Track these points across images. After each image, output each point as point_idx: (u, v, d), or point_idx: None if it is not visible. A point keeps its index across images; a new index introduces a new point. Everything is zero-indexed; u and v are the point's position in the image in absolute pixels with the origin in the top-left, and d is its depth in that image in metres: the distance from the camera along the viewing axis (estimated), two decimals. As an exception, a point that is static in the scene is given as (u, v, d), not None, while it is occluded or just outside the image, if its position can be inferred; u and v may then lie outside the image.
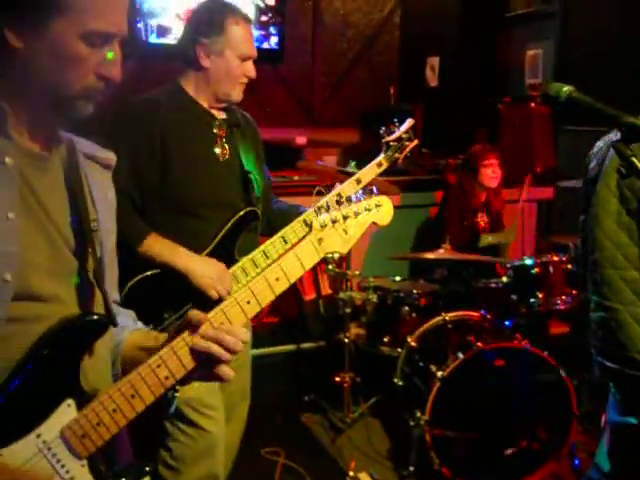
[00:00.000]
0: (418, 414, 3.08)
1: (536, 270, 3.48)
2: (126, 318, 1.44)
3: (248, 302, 1.27)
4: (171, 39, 5.21)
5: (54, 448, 1.13)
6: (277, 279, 1.29)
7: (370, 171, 2.60)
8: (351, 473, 3.18)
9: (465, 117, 5.31)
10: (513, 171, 4.54)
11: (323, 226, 1.34)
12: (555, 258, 3.50)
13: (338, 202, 1.38)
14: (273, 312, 4.09)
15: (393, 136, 2.65)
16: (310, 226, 1.35)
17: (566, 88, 1.91)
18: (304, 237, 1.35)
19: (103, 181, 1.35)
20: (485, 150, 4.09)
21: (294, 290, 4.00)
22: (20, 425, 1.11)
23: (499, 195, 4.19)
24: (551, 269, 3.48)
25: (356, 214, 1.38)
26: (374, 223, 1.43)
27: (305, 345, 4.25)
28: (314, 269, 3.88)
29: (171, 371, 1.21)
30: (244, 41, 2.27)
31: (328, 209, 1.36)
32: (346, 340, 3.65)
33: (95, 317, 1.20)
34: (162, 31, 5.27)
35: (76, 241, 1.22)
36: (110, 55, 1.15)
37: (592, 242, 2.01)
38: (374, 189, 1.45)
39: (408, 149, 2.67)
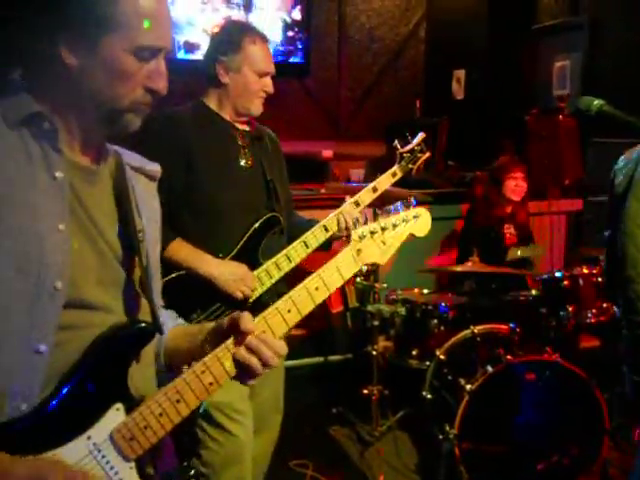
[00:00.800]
0: (447, 428, 3.05)
1: (566, 283, 3.46)
2: (167, 317, 1.48)
3: (289, 311, 1.30)
4: (199, 55, 5.29)
5: (104, 450, 1.16)
6: (317, 288, 1.32)
7: (385, 180, 2.73)
8: (380, 486, 3.17)
9: (492, 129, 5.30)
10: (540, 183, 4.52)
11: (362, 237, 1.37)
12: (585, 271, 3.47)
13: (376, 214, 1.41)
14: (301, 325, 4.10)
15: (406, 148, 2.79)
16: (349, 238, 1.37)
17: (597, 102, 1.92)
18: (343, 248, 1.37)
19: (149, 192, 1.40)
20: (510, 163, 4.08)
21: (322, 303, 4.01)
22: (72, 427, 1.15)
23: (524, 207, 4.17)
24: (581, 282, 3.45)
25: (394, 226, 1.40)
26: (412, 234, 1.45)
27: (333, 358, 4.25)
28: (342, 282, 3.88)
29: (215, 377, 1.24)
30: (261, 58, 2.38)
31: (366, 221, 1.40)
32: (374, 353, 3.65)
33: (143, 325, 1.25)
34: (189, 47, 5.35)
35: (123, 251, 1.26)
36: (157, 68, 1.19)
37: (624, 259, 1.99)
38: (413, 201, 1.48)
39: (421, 161, 2.83)
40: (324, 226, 2.47)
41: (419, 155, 2.81)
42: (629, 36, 4.59)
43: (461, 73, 5.82)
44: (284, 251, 2.38)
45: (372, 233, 1.38)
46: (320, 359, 4.24)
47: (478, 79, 5.62)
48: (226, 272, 2.27)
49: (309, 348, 4.20)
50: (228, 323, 1.27)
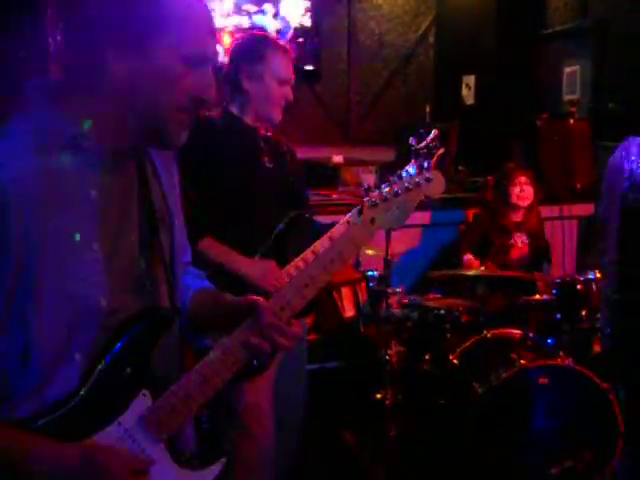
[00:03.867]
0: (460, 432, 3.06)
1: (579, 287, 3.45)
2: (192, 279, 1.51)
3: (306, 285, 1.31)
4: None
5: (134, 434, 1.22)
6: (332, 260, 1.32)
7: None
8: (393, 491, 3.17)
9: (502, 134, 5.30)
10: (552, 188, 4.52)
11: (373, 205, 1.35)
12: (598, 275, 3.46)
13: (388, 180, 1.38)
14: (313, 329, 4.10)
15: (422, 144, 2.82)
16: (362, 206, 1.35)
17: None
18: (355, 219, 1.37)
19: (168, 167, 1.39)
20: (513, 169, 4.08)
21: (334, 307, 4.01)
22: (103, 416, 1.21)
23: (534, 214, 4.15)
24: (594, 286, 3.45)
25: (407, 189, 1.37)
26: (426, 196, 1.42)
27: (345, 362, 4.25)
28: (354, 287, 3.89)
29: (237, 357, 1.29)
30: (282, 67, 2.51)
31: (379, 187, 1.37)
32: (387, 357, 3.65)
33: (161, 312, 1.28)
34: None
35: (149, 233, 1.28)
36: (204, 76, 1.19)
37: None
38: (425, 164, 1.44)
39: (437, 156, 2.83)
40: (347, 220, 2.51)
41: (434, 151, 2.86)
42: (639, 40, 4.58)
43: (471, 78, 5.83)
44: (311, 247, 2.46)
45: (385, 200, 1.35)
46: (332, 364, 4.24)
47: (488, 84, 5.63)
48: (256, 269, 2.36)
49: (321, 353, 4.19)
50: (247, 306, 1.32)
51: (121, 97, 1.16)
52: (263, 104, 2.50)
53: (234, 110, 2.52)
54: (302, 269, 1.35)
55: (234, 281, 2.30)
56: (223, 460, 1.33)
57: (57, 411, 1.16)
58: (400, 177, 1.38)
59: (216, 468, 1.32)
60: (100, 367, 1.20)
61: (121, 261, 1.23)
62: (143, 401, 1.23)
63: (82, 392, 1.18)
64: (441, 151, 2.87)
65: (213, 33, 1.21)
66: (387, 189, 1.35)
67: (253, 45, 2.54)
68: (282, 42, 2.63)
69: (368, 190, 1.37)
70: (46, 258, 1.11)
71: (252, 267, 2.37)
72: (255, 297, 1.33)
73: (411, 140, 2.87)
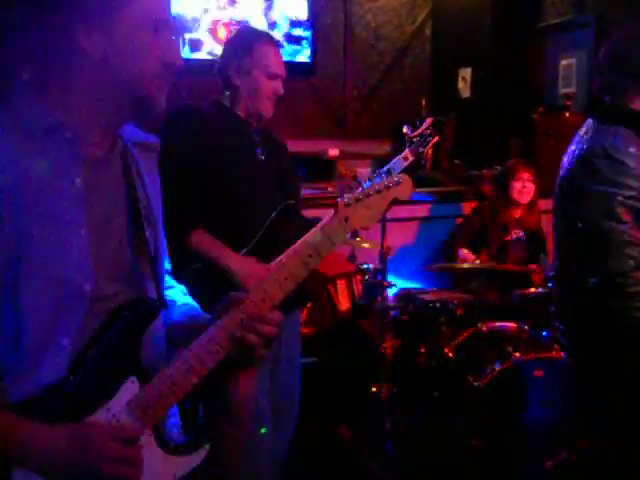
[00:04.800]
0: (456, 425, 3.07)
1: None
2: (177, 293, 1.56)
3: (286, 279, 1.37)
4: (204, 53, 5.30)
5: (122, 420, 1.25)
6: (310, 255, 1.40)
7: (397, 164, 2.83)
8: (388, 484, 3.18)
9: (498, 128, 5.30)
10: (548, 181, 4.51)
11: (347, 205, 1.43)
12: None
13: (360, 184, 1.47)
14: (308, 323, 4.10)
15: (416, 132, 2.85)
16: (337, 206, 1.44)
17: None
18: (331, 217, 1.44)
19: (149, 164, 1.42)
20: (517, 165, 4.06)
21: (329, 301, 4.01)
22: (92, 401, 1.23)
23: (534, 211, 4.15)
24: (589, 279, 3.45)
25: (378, 192, 1.47)
26: (395, 198, 1.52)
27: (340, 355, 4.24)
28: (349, 280, 3.89)
29: (221, 345, 1.31)
30: (271, 61, 2.47)
31: (351, 190, 1.46)
32: (382, 351, 3.65)
33: (147, 302, 1.31)
34: (195, 45, 5.35)
35: (135, 230, 1.31)
36: (169, 40, 1.22)
37: None
38: (391, 169, 1.56)
39: (431, 144, 2.92)
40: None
41: (429, 139, 2.87)
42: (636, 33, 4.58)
43: (467, 71, 5.82)
44: (302, 239, 2.41)
45: (357, 200, 1.44)
46: (328, 357, 4.24)
47: (484, 77, 5.62)
48: (245, 268, 2.31)
49: (316, 346, 4.19)
50: (227, 303, 1.34)
51: (98, 74, 1.18)
52: (252, 99, 2.47)
53: (226, 103, 2.51)
54: (283, 262, 1.39)
55: (221, 276, 2.29)
56: (207, 445, 1.35)
57: (47, 396, 1.18)
58: (372, 180, 1.48)
59: (201, 452, 1.35)
60: (90, 353, 1.22)
61: (109, 251, 1.26)
62: (131, 387, 1.26)
63: (71, 377, 1.20)
64: (435, 139, 2.90)
65: None
66: (360, 190, 1.46)
67: (242, 39, 2.52)
68: (273, 35, 2.59)
69: (344, 190, 1.47)
70: (33, 242, 1.14)
71: (242, 265, 2.32)
72: (235, 293, 1.36)
73: (405, 129, 2.89)
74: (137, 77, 1.20)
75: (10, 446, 1.13)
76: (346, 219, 1.43)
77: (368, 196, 1.45)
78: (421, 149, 2.86)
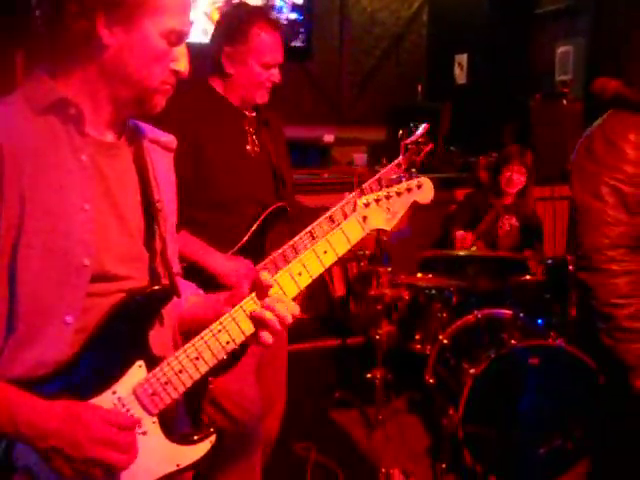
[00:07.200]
0: (451, 412, 3.07)
1: (570, 268, 3.45)
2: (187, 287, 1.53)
3: (300, 274, 1.36)
4: (200, 36, 5.24)
5: (127, 404, 1.25)
6: (325, 252, 1.38)
7: (390, 172, 2.69)
8: (383, 469, 3.18)
9: (494, 114, 5.28)
10: (544, 169, 4.51)
11: (367, 205, 1.43)
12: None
13: (381, 184, 1.46)
14: (302, 309, 4.10)
15: (411, 139, 2.80)
16: (354, 205, 1.43)
17: (613, 83, 1.95)
18: (350, 215, 1.43)
19: (165, 163, 1.45)
20: (512, 154, 4.03)
21: (324, 287, 4.01)
22: (98, 383, 1.23)
23: (527, 198, 4.14)
24: (585, 267, 3.45)
25: (398, 194, 1.47)
26: (415, 202, 1.52)
27: (336, 342, 4.25)
28: (344, 266, 3.88)
29: (231, 336, 1.31)
30: (268, 50, 2.30)
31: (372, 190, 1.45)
32: (377, 337, 3.65)
33: (158, 287, 1.31)
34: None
35: (145, 222, 1.33)
36: (182, 51, 1.27)
37: None
38: (414, 171, 1.55)
39: (424, 152, 2.83)
40: (330, 217, 2.42)
41: (423, 147, 2.83)
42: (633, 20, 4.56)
43: (463, 58, 5.80)
44: (291, 242, 2.34)
45: (377, 201, 1.44)
46: (323, 343, 4.24)
47: (480, 64, 5.60)
48: (230, 269, 2.24)
49: (311, 332, 4.20)
50: (251, 286, 1.35)
51: (111, 69, 1.21)
52: (247, 88, 2.33)
53: (217, 88, 2.36)
54: (298, 259, 1.37)
55: (206, 276, 2.20)
56: (212, 439, 1.34)
57: (51, 374, 1.19)
58: (392, 181, 1.47)
59: (205, 445, 1.34)
60: (97, 332, 1.22)
61: (119, 234, 1.27)
62: (138, 372, 1.26)
63: (77, 355, 1.21)
64: (429, 147, 2.86)
65: (189, 10, 1.28)
66: (381, 191, 1.45)
67: (235, 22, 2.30)
68: (271, 17, 2.38)
69: (363, 190, 1.46)
70: (35, 212, 1.16)
71: (227, 266, 2.24)
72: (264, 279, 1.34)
73: (400, 134, 2.85)
74: (145, 79, 1.23)
75: (3, 417, 1.13)
76: (364, 219, 1.42)
77: (388, 198, 1.45)
78: (414, 158, 2.83)
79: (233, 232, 2.32)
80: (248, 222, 2.34)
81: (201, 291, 1.58)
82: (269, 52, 2.30)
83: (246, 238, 2.33)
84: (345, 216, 2.37)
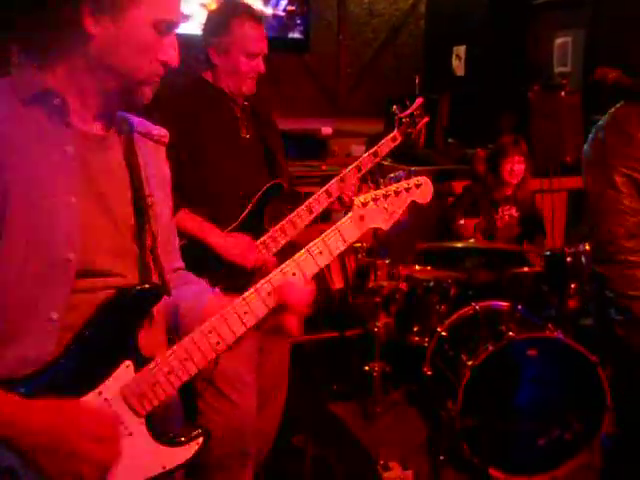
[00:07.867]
0: (449, 404, 3.07)
1: (568, 260, 3.45)
2: (198, 286, 1.50)
3: (293, 274, 1.33)
4: (194, 27, 5.20)
5: (114, 405, 1.22)
6: (320, 252, 1.36)
7: (386, 145, 2.76)
8: (382, 462, 3.18)
9: (492, 106, 5.26)
10: (542, 160, 4.50)
11: (364, 204, 1.40)
12: (587, 247, 3.46)
13: (378, 182, 1.45)
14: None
15: (405, 112, 2.84)
16: (350, 204, 1.42)
17: (614, 72, 1.95)
18: (345, 214, 1.41)
19: (157, 156, 1.42)
20: (509, 146, 4.02)
21: (322, 280, 4.00)
22: (83, 383, 1.21)
23: (525, 187, 4.13)
24: (583, 259, 3.45)
25: (396, 193, 1.44)
26: (414, 201, 1.49)
27: (334, 334, 4.24)
28: (342, 259, 3.88)
29: (222, 337, 1.28)
30: (250, 40, 2.39)
31: (369, 189, 1.44)
32: (375, 329, 3.65)
33: (147, 286, 1.28)
34: (184, 19, 5.26)
35: (134, 217, 1.29)
36: (171, 41, 1.24)
37: None
38: (412, 170, 1.52)
39: (420, 125, 2.86)
40: (327, 191, 2.52)
41: (418, 119, 2.82)
42: (632, 12, 4.53)
43: (461, 49, 5.77)
44: (289, 217, 2.43)
45: (374, 200, 1.41)
46: (320, 336, 4.24)
47: (478, 55, 5.57)
48: (230, 244, 2.30)
49: (309, 325, 4.18)
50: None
51: (97, 59, 1.19)
52: (232, 78, 2.42)
53: (209, 79, 2.46)
54: (293, 259, 1.35)
55: (207, 252, 2.28)
56: (200, 440, 1.31)
57: (35, 373, 1.15)
58: (390, 180, 1.45)
59: (193, 446, 1.31)
60: (83, 330, 1.19)
61: (107, 228, 1.24)
62: (126, 372, 1.23)
63: (62, 354, 1.17)
64: (425, 120, 2.86)
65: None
66: (378, 190, 1.43)
67: (219, 15, 2.45)
68: (254, 11, 2.49)
69: (360, 189, 1.44)
70: (18, 206, 1.12)
71: (227, 242, 2.31)
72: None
73: (394, 109, 2.84)
74: (133, 70, 1.21)
75: None
76: (361, 218, 1.40)
77: (386, 197, 1.42)
78: (410, 130, 2.81)
79: (231, 211, 2.39)
80: (245, 200, 2.40)
81: (217, 289, 1.54)
82: (251, 42, 2.39)
83: (244, 215, 2.39)
84: (342, 193, 2.52)
